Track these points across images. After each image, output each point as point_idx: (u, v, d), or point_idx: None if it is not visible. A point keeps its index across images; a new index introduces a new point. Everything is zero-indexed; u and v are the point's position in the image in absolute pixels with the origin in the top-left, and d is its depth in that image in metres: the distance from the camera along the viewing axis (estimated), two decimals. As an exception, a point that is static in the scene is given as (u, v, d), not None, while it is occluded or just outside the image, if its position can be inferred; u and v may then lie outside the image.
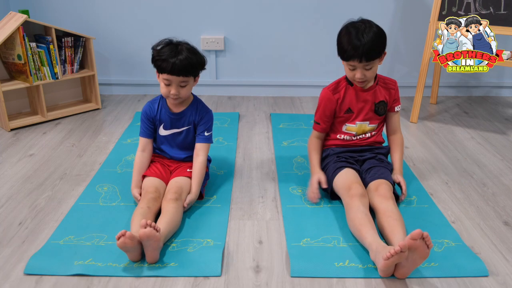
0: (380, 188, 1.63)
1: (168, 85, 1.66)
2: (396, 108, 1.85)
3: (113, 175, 1.97)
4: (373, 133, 1.86)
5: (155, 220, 1.58)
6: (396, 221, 1.48)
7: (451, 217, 1.70)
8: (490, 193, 1.88)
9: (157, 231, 1.35)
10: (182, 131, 1.79)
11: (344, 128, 1.84)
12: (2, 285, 1.33)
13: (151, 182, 1.70)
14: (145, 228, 1.33)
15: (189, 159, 1.82)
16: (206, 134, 1.78)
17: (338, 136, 1.85)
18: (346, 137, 1.84)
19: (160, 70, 1.65)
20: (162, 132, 1.80)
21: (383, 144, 1.92)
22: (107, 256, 1.44)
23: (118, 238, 1.33)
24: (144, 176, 1.75)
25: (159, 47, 1.68)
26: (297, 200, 1.80)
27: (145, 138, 1.78)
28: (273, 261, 1.45)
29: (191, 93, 1.77)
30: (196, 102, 1.80)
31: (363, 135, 1.85)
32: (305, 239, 1.54)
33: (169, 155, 1.83)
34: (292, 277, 1.38)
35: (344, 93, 1.79)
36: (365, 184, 1.71)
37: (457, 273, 1.39)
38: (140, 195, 1.68)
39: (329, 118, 1.83)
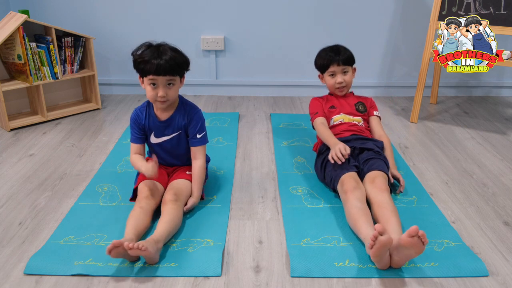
0: (376, 180, 1.67)
1: (154, 87, 1.61)
2: (375, 113, 2.07)
3: (113, 175, 1.97)
4: (360, 123, 2.01)
5: (154, 219, 1.58)
6: (391, 212, 1.52)
7: (451, 217, 1.70)
8: (490, 193, 1.88)
9: (142, 250, 1.33)
10: (173, 137, 1.73)
11: (331, 122, 2.02)
12: (2, 285, 1.33)
13: (144, 183, 1.67)
14: (130, 250, 1.33)
15: (187, 163, 1.81)
16: (198, 136, 1.72)
17: (330, 124, 2.01)
18: (337, 122, 2.00)
19: (144, 73, 1.59)
20: (154, 140, 1.75)
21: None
22: (107, 256, 1.43)
23: (110, 252, 1.33)
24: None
25: (139, 51, 1.61)
26: (297, 200, 1.80)
27: (137, 144, 1.73)
28: (273, 261, 1.45)
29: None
30: (183, 104, 1.73)
31: (352, 122, 2.00)
32: (305, 239, 1.54)
33: (166, 161, 1.80)
34: (292, 277, 1.38)
35: (327, 98, 2.11)
36: (363, 174, 1.75)
37: (457, 273, 1.39)
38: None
39: (321, 109, 2.05)
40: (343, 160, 1.75)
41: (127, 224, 1.50)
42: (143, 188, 1.65)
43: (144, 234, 1.54)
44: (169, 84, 1.61)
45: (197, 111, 1.74)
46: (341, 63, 1.97)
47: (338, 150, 1.75)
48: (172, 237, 1.54)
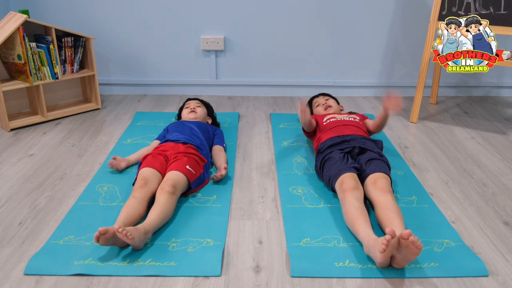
0: (378, 182, 1.66)
1: (187, 108, 2.29)
2: (368, 117, 2.23)
3: (113, 175, 1.97)
4: (354, 119, 2.11)
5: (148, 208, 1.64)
6: (394, 214, 1.51)
7: (451, 217, 1.70)
8: (490, 193, 1.88)
9: (129, 238, 1.39)
10: (192, 121, 2.15)
11: (324, 120, 2.12)
12: (2, 285, 1.33)
13: (141, 172, 1.76)
14: (118, 233, 1.38)
15: (192, 143, 1.95)
16: (224, 143, 2.17)
17: (324, 123, 2.11)
18: (332, 119, 2.10)
19: (184, 105, 2.35)
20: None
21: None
22: (107, 255, 1.44)
23: (97, 240, 1.38)
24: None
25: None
26: (297, 200, 1.80)
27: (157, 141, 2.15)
28: (273, 261, 1.45)
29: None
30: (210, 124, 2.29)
31: (346, 119, 2.09)
32: (305, 239, 1.54)
33: (178, 138, 1.97)
34: (292, 277, 1.38)
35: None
36: (365, 175, 1.74)
37: (457, 273, 1.39)
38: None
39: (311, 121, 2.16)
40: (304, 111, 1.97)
41: (120, 212, 1.56)
42: (139, 178, 1.73)
43: (137, 222, 1.56)
44: (198, 106, 2.29)
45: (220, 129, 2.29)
46: (322, 95, 2.44)
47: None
48: (172, 237, 1.54)
